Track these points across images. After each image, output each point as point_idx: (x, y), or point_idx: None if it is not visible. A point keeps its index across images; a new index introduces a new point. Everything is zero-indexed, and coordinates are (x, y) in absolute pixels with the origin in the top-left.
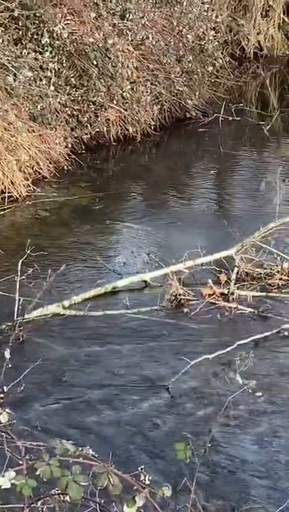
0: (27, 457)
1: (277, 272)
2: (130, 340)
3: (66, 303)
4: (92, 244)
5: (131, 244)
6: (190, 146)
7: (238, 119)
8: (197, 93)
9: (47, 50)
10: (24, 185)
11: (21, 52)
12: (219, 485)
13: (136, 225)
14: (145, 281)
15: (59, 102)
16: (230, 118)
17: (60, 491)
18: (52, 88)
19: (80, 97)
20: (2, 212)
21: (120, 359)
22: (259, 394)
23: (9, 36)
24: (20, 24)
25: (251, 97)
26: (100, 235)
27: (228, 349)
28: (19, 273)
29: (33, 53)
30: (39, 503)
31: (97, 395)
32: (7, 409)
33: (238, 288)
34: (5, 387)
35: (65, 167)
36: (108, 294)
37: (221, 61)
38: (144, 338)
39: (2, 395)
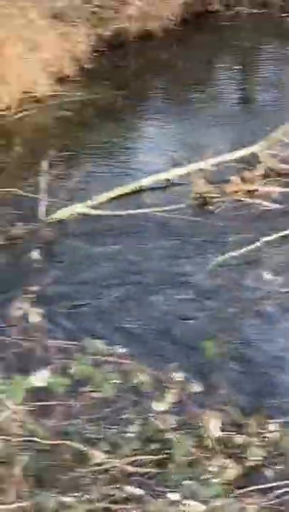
0: (60, 356)
1: None
2: (156, 239)
3: (92, 202)
4: (116, 144)
5: (154, 142)
6: (213, 41)
7: (262, 11)
8: None
9: None
10: (47, 85)
11: None
12: (249, 380)
13: (159, 122)
14: (169, 180)
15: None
16: (254, 10)
17: (92, 389)
18: None
19: None
20: (26, 113)
21: (146, 257)
22: (286, 290)
23: None
24: None
25: None
26: (123, 133)
27: (254, 245)
28: (45, 174)
29: None
30: (71, 400)
31: (125, 293)
32: (38, 309)
33: (263, 184)
34: (35, 287)
35: (87, 65)
36: (133, 193)
37: None
38: (169, 236)
39: (33, 295)
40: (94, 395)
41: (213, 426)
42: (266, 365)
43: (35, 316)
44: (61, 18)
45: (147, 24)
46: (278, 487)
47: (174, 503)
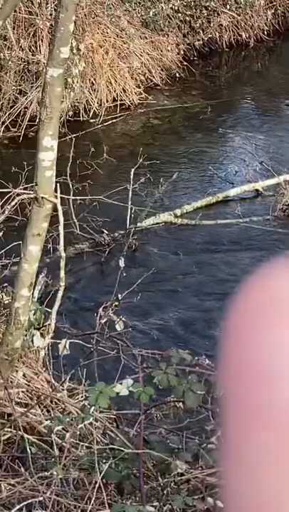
0: (144, 365)
1: None
2: (242, 250)
3: (178, 212)
4: (203, 153)
5: (243, 152)
6: None
7: None
8: None
9: None
10: (136, 93)
11: None
12: None
13: (248, 133)
14: (257, 190)
15: (171, 8)
16: None
17: (176, 399)
18: None
19: (192, 2)
20: (115, 120)
21: (232, 268)
22: None
23: None
24: None
25: None
26: (211, 143)
27: None
28: (131, 182)
29: None
30: (154, 409)
31: (211, 305)
32: (123, 318)
33: None
34: (120, 295)
35: (177, 74)
36: (220, 203)
37: None
38: (256, 247)
39: (117, 303)
40: (177, 404)
41: None
42: None
43: (121, 324)
44: (152, 26)
45: (239, 34)
46: None
47: None
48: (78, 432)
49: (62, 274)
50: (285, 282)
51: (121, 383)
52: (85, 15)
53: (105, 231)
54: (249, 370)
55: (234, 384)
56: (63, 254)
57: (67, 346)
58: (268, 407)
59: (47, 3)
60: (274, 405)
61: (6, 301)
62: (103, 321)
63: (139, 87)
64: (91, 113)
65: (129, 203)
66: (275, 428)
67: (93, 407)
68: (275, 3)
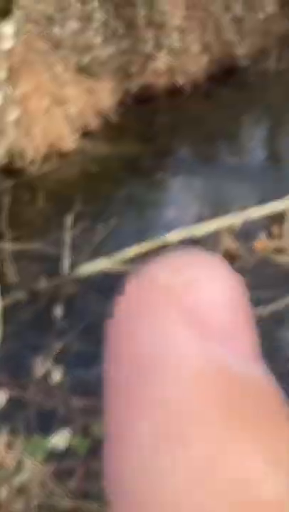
0: (81, 416)
1: None
2: None
3: (116, 258)
4: (142, 199)
5: (181, 197)
6: (241, 97)
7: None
8: (247, 41)
9: (93, 0)
10: (72, 139)
11: (67, 3)
12: None
13: (186, 178)
14: (196, 236)
15: (106, 54)
16: (283, 67)
17: None
18: (99, 39)
19: (127, 48)
20: (50, 167)
21: None
22: None
23: None
24: None
25: None
26: (149, 188)
27: (283, 304)
28: (69, 228)
29: (79, 4)
30: (93, 461)
31: None
32: (60, 367)
33: None
34: (57, 344)
35: (113, 120)
36: (158, 249)
37: (271, 7)
38: None
39: (55, 352)
40: None
41: None
42: None
43: (57, 374)
44: (87, 72)
45: (175, 79)
46: None
47: None
48: (15, 487)
49: None
50: (167, 271)
51: (59, 435)
52: (20, 62)
53: (43, 279)
54: (131, 361)
55: (116, 375)
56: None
57: (2, 398)
58: (149, 398)
59: None
60: (156, 395)
61: None
62: (41, 371)
63: (76, 134)
64: (27, 160)
65: (67, 250)
66: (156, 419)
67: (30, 461)
68: (211, 48)
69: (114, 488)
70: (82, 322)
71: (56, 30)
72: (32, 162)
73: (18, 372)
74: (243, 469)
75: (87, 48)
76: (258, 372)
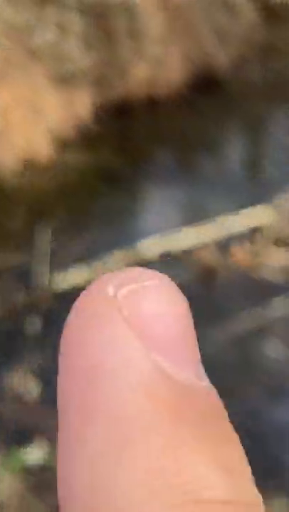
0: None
1: None
2: None
3: (95, 269)
4: (122, 209)
5: (160, 207)
6: (221, 107)
7: (273, 78)
8: (228, 51)
9: (71, 10)
10: (50, 150)
11: (45, 13)
12: (254, 457)
13: (165, 188)
14: (176, 246)
15: (85, 64)
16: (262, 77)
17: None
18: (78, 49)
19: (106, 58)
20: (28, 178)
21: None
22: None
23: None
24: None
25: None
26: (129, 198)
27: (262, 318)
28: (48, 241)
29: (58, 14)
30: None
31: None
32: (37, 382)
33: (269, 253)
34: (34, 359)
35: (92, 130)
36: (139, 261)
37: (252, 16)
38: None
39: (32, 367)
40: None
41: None
42: (273, 441)
43: (35, 388)
44: (66, 82)
45: (155, 89)
46: None
47: None
48: None
49: None
50: (118, 280)
51: (35, 449)
52: None
53: (19, 293)
54: (81, 371)
55: (67, 386)
56: None
57: None
58: (99, 407)
59: None
60: (106, 405)
61: None
62: (16, 386)
63: (54, 144)
64: (4, 171)
65: (45, 262)
66: (106, 427)
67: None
68: (191, 58)
69: (66, 493)
70: (60, 335)
71: (35, 40)
72: (10, 173)
73: None
74: (194, 476)
75: (66, 58)
76: (200, 384)
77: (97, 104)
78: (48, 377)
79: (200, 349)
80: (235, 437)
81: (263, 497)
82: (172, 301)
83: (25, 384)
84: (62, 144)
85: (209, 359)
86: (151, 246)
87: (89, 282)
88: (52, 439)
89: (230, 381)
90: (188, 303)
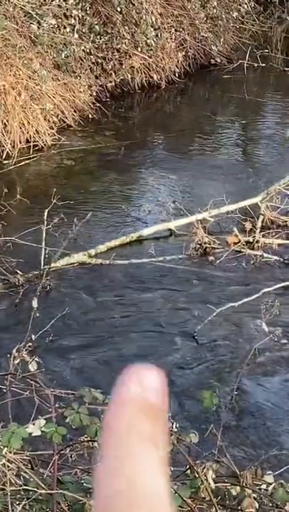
0: (56, 405)
1: None
2: (156, 289)
3: (92, 252)
4: (117, 193)
5: (156, 192)
6: (215, 93)
7: (264, 65)
8: (222, 39)
9: None
10: (49, 134)
11: (45, 0)
12: (245, 431)
13: (161, 173)
14: (170, 230)
15: (83, 50)
16: (256, 64)
17: (89, 438)
18: (76, 36)
19: (104, 45)
20: (28, 161)
21: (146, 307)
22: (285, 341)
23: None
24: None
25: (276, 42)
26: (125, 183)
27: (254, 297)
28: (45, 222)
29: (57, 1)
30: (68, 449)
31: (124, 343)
32: (36, 358)
33: (263, 236)
34: (33, 336)
35: (90, 115)
36: (134, 242)
37: (246, 6)
38: (169, 286)
39: (30, 344)
40: (90, 444)
41: (211, 477)
42: (262, 416)
43: (34, 364)
44: (64, 68)
45: (150, 76)
46: None
47: None
48: None
49: None
50: (134, 385)
51: (34, 423)
52: None
53: (19, 272)
54: (111, 499)
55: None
56: None
57: None
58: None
59: None
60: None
61: None
62: (16, 362)
63: (52, 129)
64: (4, 154)
65: (43, 243)
66: None
67: (6, 448)
68: (185, 46)
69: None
70: (58, 314)
71: (34, 26)
72: (9, 156)
73: None
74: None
75: (64, 44)
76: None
77: (94, 89)
78: (47, 353)
79: (190, 324)
80: None
81: (255, 469)
82: (160, 390)
83: (24, 360)
84: (61, 128)
85: (200, 334)
86: (147, 228)
87: (85, 262)
88: (50, 413)
89: (221, 360)
90: (186, 277)
